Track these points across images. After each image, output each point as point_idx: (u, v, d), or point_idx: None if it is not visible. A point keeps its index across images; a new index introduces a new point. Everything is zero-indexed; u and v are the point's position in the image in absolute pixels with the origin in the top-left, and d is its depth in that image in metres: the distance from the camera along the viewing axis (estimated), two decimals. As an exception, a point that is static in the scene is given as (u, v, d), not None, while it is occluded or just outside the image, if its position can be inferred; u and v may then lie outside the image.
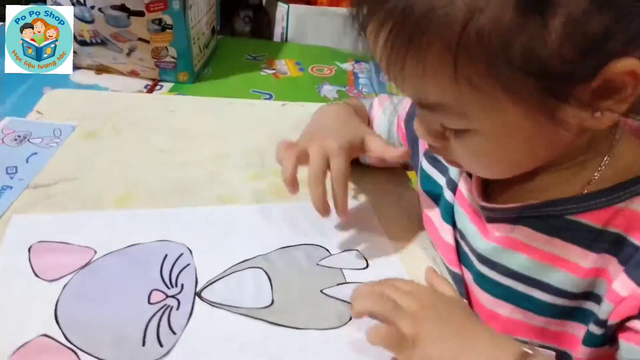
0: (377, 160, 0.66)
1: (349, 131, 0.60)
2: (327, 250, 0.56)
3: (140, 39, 1.23)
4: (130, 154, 0.68)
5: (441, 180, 0.58)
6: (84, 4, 1.16)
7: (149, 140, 0.71)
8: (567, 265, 0.45)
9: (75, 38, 1.19)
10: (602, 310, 0.44)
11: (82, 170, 0.64)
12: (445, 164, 0.54)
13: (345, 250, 0.57)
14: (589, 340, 0.46)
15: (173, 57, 1.27)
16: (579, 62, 0.36)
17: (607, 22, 0.35)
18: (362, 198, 0.65)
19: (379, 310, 0.45)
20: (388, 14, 0.38)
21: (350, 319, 0.49)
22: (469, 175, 0.53)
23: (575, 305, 0.46)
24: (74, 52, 1.23)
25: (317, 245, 0.57)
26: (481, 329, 0.44)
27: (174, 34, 1.23)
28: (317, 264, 0.55)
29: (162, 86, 1.19)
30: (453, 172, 0.56)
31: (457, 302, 0.48)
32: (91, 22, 1.19)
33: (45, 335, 0.44)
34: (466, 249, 0.54)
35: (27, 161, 0.65)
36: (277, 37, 1.62)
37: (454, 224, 0.56)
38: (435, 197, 0.58)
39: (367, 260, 0.56)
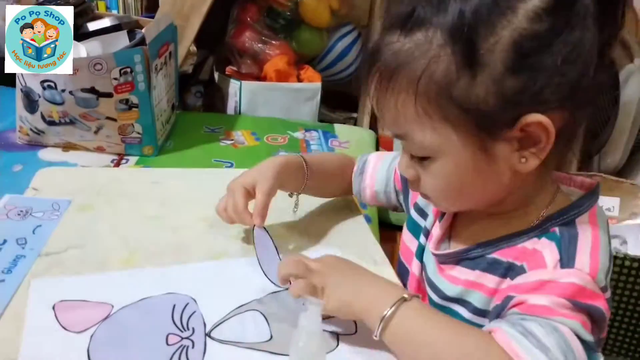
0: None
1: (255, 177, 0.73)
2: (310, 292, 0.67)
3: (107, 118, 1.33)
4: (126, 222, 0.77)
5: (421, 227, 0.72)
6: (55, 88, 1.25)
7: (140, 209, 0.80)
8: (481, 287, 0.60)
9: (44, 119, 1.27)
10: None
11: (86, 238, 0.72)
12: (422, 198, 0.68)
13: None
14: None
15: (139, 133, 1.36)
16: (500, 110, 0.51)
17: (520, 84, 0.50)
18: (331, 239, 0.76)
19: (296, 271, 0.59)
20: (379, 67, 0.55)
21: (338, 344, 0.59)
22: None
23: None
24: (42, 132, 1.31)
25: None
26: (372, 278, 0.58)
27: (140, 112, 1.33)
28: (303, 304, 0.65)
29: (127, 160, 1.26)
30: (428, 223, 0.70)
31: (353, 263, 0.62)
32: (61, 103, 1.28)
33: (84, 377, 0.52)
34: (425, 277, 0.69)
35: (33, 232, 0.72)
36: (230, 110, 1.73)
37: (421, 259, 0.70)
38: (416, 236, 0.73)
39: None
